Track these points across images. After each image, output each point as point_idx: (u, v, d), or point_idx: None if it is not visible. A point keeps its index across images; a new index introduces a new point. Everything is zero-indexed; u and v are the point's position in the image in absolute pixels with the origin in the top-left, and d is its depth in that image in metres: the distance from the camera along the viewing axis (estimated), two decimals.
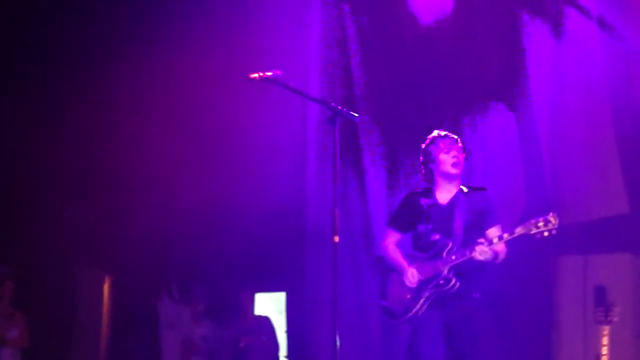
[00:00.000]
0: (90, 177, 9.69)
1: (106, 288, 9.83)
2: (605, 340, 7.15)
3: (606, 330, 7.18)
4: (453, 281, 6.17)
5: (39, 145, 9.38)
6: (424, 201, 6.42)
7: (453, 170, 6.38)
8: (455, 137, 6.46)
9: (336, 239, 5.15)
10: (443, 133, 6.47)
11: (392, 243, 6.51)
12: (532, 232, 6.02)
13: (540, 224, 5.99)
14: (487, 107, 8.80)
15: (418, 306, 6.22)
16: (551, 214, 6.01)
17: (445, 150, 6.38)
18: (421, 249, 6.35)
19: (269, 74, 5.32)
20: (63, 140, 9.50)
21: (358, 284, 8.81)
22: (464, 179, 6.55)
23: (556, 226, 5.98)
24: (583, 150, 8.41)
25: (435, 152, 6.40)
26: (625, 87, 8.31)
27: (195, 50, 9.30)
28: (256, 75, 5.33)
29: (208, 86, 9.25)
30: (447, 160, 6.37)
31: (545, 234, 6.00)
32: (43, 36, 9.42)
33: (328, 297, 5.22)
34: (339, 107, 5.30)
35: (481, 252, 6.04)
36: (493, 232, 6.25)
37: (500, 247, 6.15)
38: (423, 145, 6.51)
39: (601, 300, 7.82)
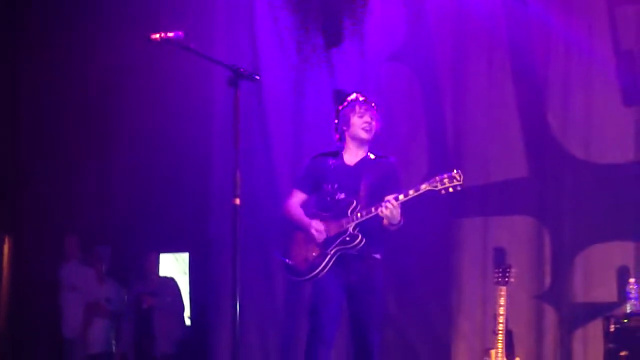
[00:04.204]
0: None
1: (6, 249, 9.66)
2: (502, 301, 7.33)
3: (503, 290, 7.35)
4: (359, 238, 6.18)
5: None
6: (331, 162, 6.43)
7: (363, 135, 6.39)
8: (372, 103, 6.47)
9: (237, 201, 5.14)
10: (361, 97, 6.46)
11: (295, 203, 6.51)
12: (437, 188, 6.02)
13: (445, 180, 6.01)
14: (391, 70, 8.86)
15: (324, 264, 6.21)
16: (455, 170, 6.05)
17: (360, 114, 6.38)
18: (325, 208, 6.36)
19: (170, 35, 5.25)
20: None
21: (261, 244, 8.82)
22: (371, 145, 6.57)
23: (461, 183, 6.00)
24: (484, 113, 8.53)
25: (349, 115, 6.40)
26: (526, 53, 8.44)
27: (97, 12, 9.18)
28: (157, 36, 5.25)
29: (109, 46, 9.13)
30: (359, 123, 6.38)
31: (450, 189, 6.00)
32: None
33: (230, 259, 5.22)
34: (241, 69, 5.27)
35: (388, 208, 6.04)
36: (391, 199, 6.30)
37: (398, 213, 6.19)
38: (340, 107, 6.51)
39: (500, 261, 7.99)
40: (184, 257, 10.10)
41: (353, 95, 6.50)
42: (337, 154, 6.47)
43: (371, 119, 6.39)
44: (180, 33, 5.26)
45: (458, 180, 6.03)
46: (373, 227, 6.21)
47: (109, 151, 9.68)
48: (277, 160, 9.09)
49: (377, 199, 6.15)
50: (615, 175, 8.14)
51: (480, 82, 8.55)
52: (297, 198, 6.52)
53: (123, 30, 8.93)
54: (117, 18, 9.10)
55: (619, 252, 8.05)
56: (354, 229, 6.21)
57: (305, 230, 6.32)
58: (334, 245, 6.23)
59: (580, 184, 8.22)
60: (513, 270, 7.39)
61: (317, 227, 6.26)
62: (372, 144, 6.48)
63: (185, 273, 10.05)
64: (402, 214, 6.09)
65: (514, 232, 8.35)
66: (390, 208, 6.05)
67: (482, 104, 8.52)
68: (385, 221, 6.17)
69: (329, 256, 6.23)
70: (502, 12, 8.49)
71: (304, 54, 9.07)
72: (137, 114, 9.44)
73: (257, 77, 5.33)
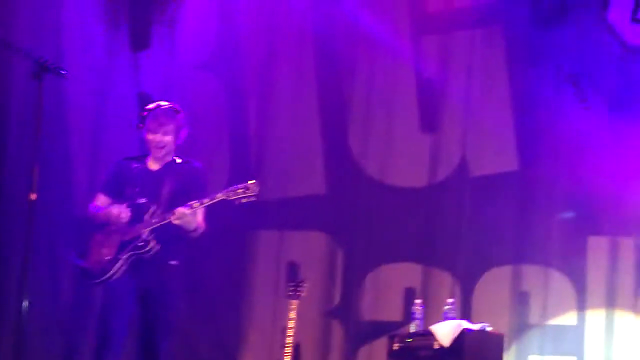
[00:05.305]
0: None
1: None
2: (292, 315, 7.41)
3: (294, 304, 7.43)
4: (152, 244, 6.17)
5: None
6: (135, 166, 6.40)
7: (156, 153, 6.39)
8: (168, 113, 6.35)
9: (33, 196, 5.04)
10: (160, 108, 6.36)
11: (100, 206, 6.42)
12: (232, 198, 6.11)
13: (240, 190, 6.11)
14: (198, 78, 8.79)
15: (116, 268, 6.16)
16: (251, 181, 6.13)
17: (153, 130, 6.34)
18: None
19: None
20: None
21: (49, 243, 8.55)
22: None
23: (256, 193, 6.11)
24: (287, 127, 8.62)
25: (145, 128, 6.37)
26: (331, 70, 8.60)
27: None
28: None
29: None
30: (151, 139, 6.35)
31: (244, 200, 6.11)
32: None
33: (19, 257, 5.10)
34: (47, 62, 5.16)
35: (180, 216, 6.06)
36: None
37: (200, 220, 6.21)
38: (142, 114, 6.44)
39: (293, 275, 8.09)
40: None
41: (151, 106, 6.43)
42: (143, 157, 6.41)
43: (163, 134, 6.32)
44: None
45: (253, 192, 6.11)
46: (170, 233, 6.20)
47: None
48: (75, 160, 8.83)
49: (179, 205, 6.15)
50: (407, 198, 8.42)
51: (286, 95, 8.63)
52: (101, 202, 6.45)
53: None
54: None
55: (407, 273, 8.31)
56: (148, 235, 6.16)
57: (110, 219, 6.21)
58: (127, 250, 6.19)
59: (375, 205, 8.45)
60: (305, 284, 7.49)
61: (120, 213, 6.17)
62: (178, 150, 6.44)
63: None
64: (205, 220, 6.11)
65: (308, 247, 8.48)
66: (181, 216, 6.04)
67: (286, 117, 8.61)
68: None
69: (121, 260, 6.19)
70: (311, 26, 8.59)
71: (110, 54, 8.88)
72: None
73: (63, 72, 5.24)
